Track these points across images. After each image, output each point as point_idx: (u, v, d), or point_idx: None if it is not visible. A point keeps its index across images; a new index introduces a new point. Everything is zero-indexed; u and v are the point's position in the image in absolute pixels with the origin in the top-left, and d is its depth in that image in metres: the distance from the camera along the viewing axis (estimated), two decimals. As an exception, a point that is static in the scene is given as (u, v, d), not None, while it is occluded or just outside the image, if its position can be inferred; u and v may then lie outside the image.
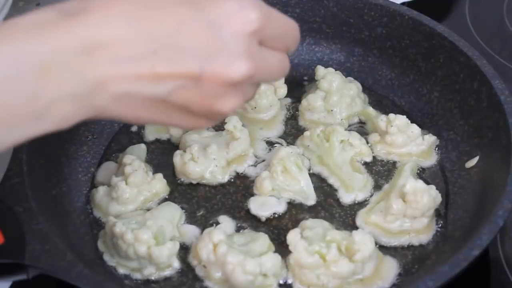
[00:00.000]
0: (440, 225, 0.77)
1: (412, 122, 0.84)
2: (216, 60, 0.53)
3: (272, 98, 0.89)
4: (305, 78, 0.96)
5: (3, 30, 0.49)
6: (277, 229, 0.77)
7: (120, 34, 0.51)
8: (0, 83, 0.47)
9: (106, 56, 0.51)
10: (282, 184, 0.79)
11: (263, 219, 0.78)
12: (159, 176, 0.80)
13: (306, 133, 0.85)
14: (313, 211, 0.79)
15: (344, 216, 0.78)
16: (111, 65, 0.51)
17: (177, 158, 0.82)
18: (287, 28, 0.61)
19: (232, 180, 0.82)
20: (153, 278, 0.72)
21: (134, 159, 0.80)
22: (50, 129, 0.52)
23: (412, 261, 0.73)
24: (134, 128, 0.89)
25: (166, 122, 0.59)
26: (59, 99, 0.50)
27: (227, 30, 0.54)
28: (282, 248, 0.72)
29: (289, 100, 0.92)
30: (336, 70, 0.91)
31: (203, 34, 0.53)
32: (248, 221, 0.78)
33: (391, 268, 0.72)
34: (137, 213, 0.77)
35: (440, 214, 0.78)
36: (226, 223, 0.77)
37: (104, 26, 0.50)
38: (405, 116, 0.84)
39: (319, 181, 0.82)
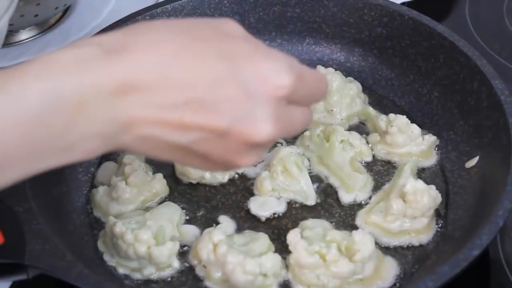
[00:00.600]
0: (440, 225, 0.77)
1: (412, 122, 0.84)
2: (244, 120, 0.54)
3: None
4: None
5: (41, 65, 0.49)
6: (277, 229, 0.77)
7: (155, 80, 0.52)
8: (35, 119, 0.48)
9: (139, 100, 0.51)
10: (282, 184, 0.79)
11: (263, 219, 0.78)
12: (159, 176, 0.80)
13: (306, 133, 0.85)
14: (313, 211, 0.79)
15: (344, 216, 0.78)
16: (142, 109, 0.52)
17: (177, 158, 0.82)
18: (318, 87, 0.62)
19: (232, 180, 0.82)
20: (153, 278, 0.72)
21: (134, 159, 0.80)
22: (73, 161, 0.53)
23: (412, 261, 0.73)
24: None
25: (184, 163, 0.61)
26: (88, 136, 0.51)
27: (258, 92, 0.54)
28: (282, 248, 0.72)
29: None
30: (336, 70, 0.91)
31: (235, 93, 0.53)
32: (248, 221, 0.78)
33: (391, 268, 0.72)
34: (137, 213, 0.77)
35: (440, 214, 0.77)
36: (226, 223, 0.77)
37: (142, 70, 0.51)
38: (405, 116, 0.84)
39: (319, 181, 0.82)
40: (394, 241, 0.75)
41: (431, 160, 0.84)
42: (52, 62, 0.50)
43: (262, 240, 0.72)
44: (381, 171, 0.83)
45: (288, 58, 0.57)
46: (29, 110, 0.48)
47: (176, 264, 0.72)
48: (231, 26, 0.58)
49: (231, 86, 0.53)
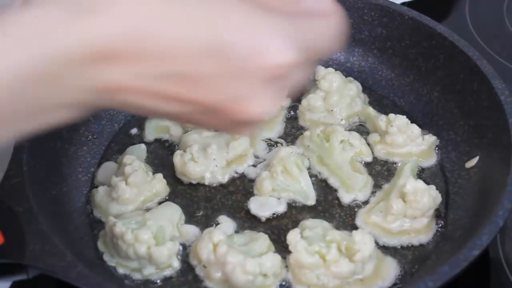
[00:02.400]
0: (440, 225, 0.77)
1: (412, 122, 0.84)
2: (232, 100, 0.50)
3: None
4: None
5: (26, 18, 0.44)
6: (277, 229, 0.77)
7: (140, 46, 0.46)
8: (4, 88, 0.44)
9: (116, 69, 0.46)
10: (282, 184, 0.79)
11: (263, 219, 0.78)
12: (159, 176, 0.80)
13: (306, 133, 0.85)
14: (313, 211, 0.79)
15: (344, 216, 0.78)
16: (121, 78, 0.47)
17: (177, 158, 0.82)
18: (323, 41, 0.54)
19: (232, 180, 0.82)
20: (153, 278, 0.72)
21: (134, 159, 0.80)
22: (74, 117, 0.49)
23: (412, 261, 0.73)
24: (134, 131, 0.89)
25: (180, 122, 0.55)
26: (63, 104, 0.48)
27: (251, 71, 0.49)
28: (282, 248, 0.72)
29: (289, 100, 0.92)
30: (336, 70, 0.91)
31: (223, 69, 0.48)
32: (248, 221, 0.78)
33: (391, 268, 0.72)
34: (137, 213, 0.77)
35: (440, 214, 0.78)
36: (226, 223, 0.77)
37: (119, 35, 0.45)
38: (405, 116, 0.84)
39: (319, 181, 0.82)
40: (394, 241, 0.75)
41: (431, 160, 0.84)
42: (16, 24, 0.43)
43: (262, 240, 0.72)
44: (381, 171, 0.83)
45: (290, 24, 0.50)
46: (18, 67, 0.43)
47: (176, 264, 0.72)
48: None
49: (218, 60, 0.47)
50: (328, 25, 0.55)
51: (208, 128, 0.55)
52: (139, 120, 0.90)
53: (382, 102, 0.93)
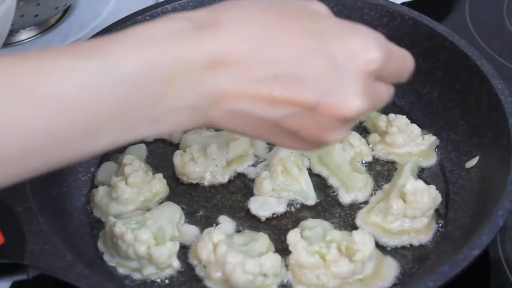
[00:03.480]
0: (440, 225, 0.77)
1: (412, 122, 0.85)
2: (334, 95, 0.54)
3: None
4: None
5: (135, 36, 0.51)
6: (277, 229, 0.77)
7: (245, 55, 0.52)
8: (129, 87, 0.49)
9: (228, 73, 0.52)
10: (282, 184, 0.79)
11: (263, 219, 0.78)
12: (159, 176, 0.80)
13: (306, 133, 0.85)
14: (313, 211, 0.79)
15: (344, 216, 0.78)
16: (232, 83, 0.52)
17: (177, 158, 0.82)
18: (405, 64, 0.61)
19: (232, 180, 0.82)
20: (153, 278, 0.72)
21: (134, 159, 0.80)
22: (163, 132, 0.54)
23: (412, 261, 0.73)
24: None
25: (273, 142, 0.60)
26: (178, 108, 0.52)
27: (348, 67, 0.54)
28: (282, 248, 0.72)
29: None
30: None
31: (324, 67, 0.53)
32: (248, 221, 0.78)
33: (391, 268, 0.72)
34: (137, 213, 0.77)
35: (440, 214, 0.78)
36: (226, 223, 0.77)
37: (232, 45, 0.52)
38: (405, 116, 0.84)
39: (319, 181, 0.82)
40: (394, 241, 0.75)
41: (431, 160, 0.84)
42: (144, 34, 0.51)
43: (262, 240, 0.72)
44: (381, 171, 0.83)
45: (376, 33, 0.57)
46: (124, 78, 0.49)
47: (176, 264, 0.72)
48: (317, 5, 0.58)
49: (320, 60, 0.53)
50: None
51: (300, 147, 0.59)
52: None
53: (382, 102, 0.92)
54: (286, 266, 0.71)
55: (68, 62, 0.48)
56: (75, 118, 0.48)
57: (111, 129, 0.50)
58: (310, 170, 0.82)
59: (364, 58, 0.54)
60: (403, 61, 0.61)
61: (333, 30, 0.55)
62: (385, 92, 0.60)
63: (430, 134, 0.85)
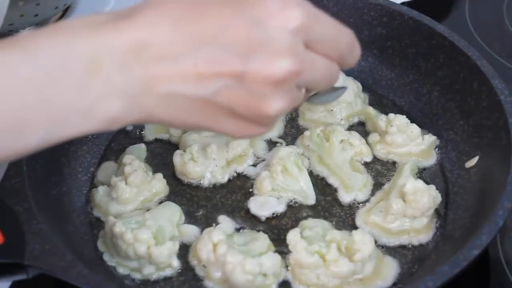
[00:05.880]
0: (440, 225, 0.77)
1: (412, 122, 0.85)
2: (258, 58, 0.53)
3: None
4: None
5: (54, 28, 0.51)
6: (277, 229, 0.77)
7: (165, 35, 0.52)
8: (48, 75, 0.49)
9: (152, 56, 0.52)
10: (282, 184, 0.79)
11: (263, 219, 0.78)
12: (159, 176, 0.81)
13: (306, 133, 0.85)
14: (313, 211, 0.79)
15: (344, 216, 0.78)
16: (156, 65, 0.52)
17: (177, 158, 0.82)
18: (337, 33, 0.60)
19: (232, 180, 0.82)
20: (153, 278, 0.72)
21: (134, 159, 0.80)
22: (99, 127, 0.53)
23: (412, 261, 0.73)
24: (129, 128, 0.89)
25: (214, 128, 0.58)
26: (107, 95, 0.51)
27: (269, 26, 0.53)
28: (282, 248, 0.72)
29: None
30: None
31: (244, 32, 0.53)
32: (248, 221, 0.78)
33: (391, 268, 0.72)
34: (137, 213, 0.77)
35: (440, 214, 0.78)
36: (226, 223, 0.77)
37: (151, 27, 0.52)
38: (405, 116, 0.84)
39: (319, 181, 0.82)
40: (394, 241, 0.75)
41: (431, 160, 0.84)
42: (64, 26, 0.51)
43: (262, 240, 0.73)
44: (381, 171, 0.83)
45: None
46: (42, 67, 0.49)
47: (176, 263, 0.72)
48: None
49: (239, 27, 0.53)
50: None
51: (246, 131, 0.58)
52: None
53: (382, 102, 0.93)
54: (286, 266, 0.71)
55: None
56: None
57: (39, 123, 0.50)
58: (310, 170, 0.82)
59: (283, 15, 0.54)
60: (335, 30, 0.59)
61: None
62: (322, 64, 0.58)
63: (430, 134, 0.85)
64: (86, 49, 0.50)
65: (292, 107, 0.58)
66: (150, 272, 0.72)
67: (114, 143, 0.88)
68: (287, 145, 0.85)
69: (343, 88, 0.75)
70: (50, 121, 0.50)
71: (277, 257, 0.70)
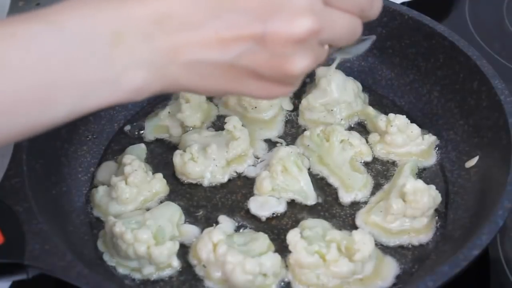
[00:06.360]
0: (440, 225, 0.77)
1: (412, 122, 0.85)
2: (278, 18, 0.53)
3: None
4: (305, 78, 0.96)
5: (78, 1, 0.51)
6: (277, 229, 0.77)
7: (186, 5, 0.53)
8: (75, 48, 0.50)
9: (174, 26, 0.53)
10: (282, 184, 0.79)
11: (263, 219, 0.78)
12: (159, 176, 0.80)
13: (306, 133, 0.85)
14: (313, 211, 0.79)
15: (344, 216, 0.78)
16: (179, 34, 0.53)
17: (177, 158, 0.82)
18: None
19: (232, 180, 0.82)
20: (153, 278, 0.72)
21: (134, 159, 0.80)
22: (124, 98, 0.54)
23: (412, 261, 0.73)
24: (127, 128, 0.89)
25: (239, 91, 0.58)
26: (132, 65, 0.52)
27: None
28: (282, 248, 0.72)
29: (289, 101, 0.92)
30: (336, 69, 0.90)
31: None
32: (248, 221, 0.78)
33: (391, 268, 0.72)
34: (137, 213, 0.77)
35: (440, 214, 0.78)
36: (226, 223, 0.77)
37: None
38: (405, 116, 0.84)
39: (319, 181, 0.82)
40: (394, 241, 0.75)
41: (431, 160, 0.84)
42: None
43: (262, 240, 0.73)
44: (381, 171, 0.83)
45: None
46: (68, 39, 0.49)
47: (176, 263, 0.72)
48: None
49: None
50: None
51: (271, 92, 0.58)
52: (138, 120, 0.90)
53: (382, 102, 0.93)
54: (286, 266, 0.71)
55: (11, 29, 0.48)
56: (24, 84, 0.48)
57: (66, 95, 0.51)
58: (310, 170, 0.82)
59: None
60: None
61: None
62: (343, 19, 0.58)
63: (430, 134, 0.85)
64: (111, 21, 0.51)
65: (316, 64, 0.58)
66: (150, 272, 0.72)
67: (114, 143, 0.88)
68: (287, 145, 0.85)
69: (371, 38, 0.73)
70: (77, 93, 0.51)
71: (277, 257, 0.70)
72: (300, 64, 0.56)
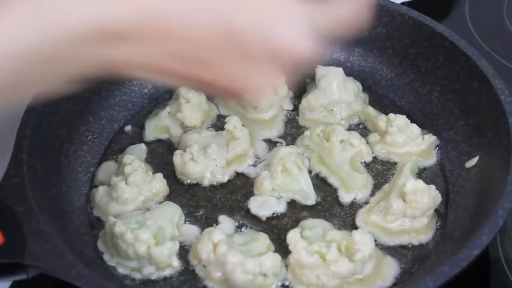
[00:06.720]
0: (440, 225, 0.77)
1: (412, 122, 0.85)
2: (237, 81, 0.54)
3: (272, 98, 0.89)
4: (306, 78, 0.96)
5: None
6: (277, 229, 0.77)
7: (139, 29, 0.49)
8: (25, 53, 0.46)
9: (119, 48, 0.49)
10: (282, 184, 0.79)
11: (263, 218, 0.78)
12: (159, 176, 0.80)
13: (306, 133, 0.85)
14: (313, 211, 0.79)
15: (344, 216, 0.78)
16: (123, 55, 0.50)
17: (177, 158, 0.82)
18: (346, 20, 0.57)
19: (232, 180, 0.82)
20: (153, 278, 0.72)
21: (134, 159, 0.80)
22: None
23: (412, 261, 0.73)
24: (128, 128, 0.89)
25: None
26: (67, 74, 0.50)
27: (259, 56, 0.52)
28: (282, 248, 0.72)
29: (289, 101, 0.92)
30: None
31: (228, 53, 0.52)
32: (248, 220, 0.78)
33: (391, 268, 0.72)
34: (137, 213, 0.77)
35: (440, 214, 0.78)
36: (226, 223, 0.77)
37: (125, 16, 0.48)
38: (405, 116, 0.84)
39: (319, 181, 0.82)
40: (394, 241, 0.75)
41: (431, 160, 0.84)
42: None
43: (262, 240, 0.73)
44: (381, 171, 0.83)
45: (306, 8, 0.53)
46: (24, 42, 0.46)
47: (176, 263, 0.72)
48: None
49: (224, 44, 0.50)
50: (346, 9, 0.57)
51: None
52: (138, 120, 0.90)
53: (382, 102, 0.93)
54: (286, 266, 0.71)
55: None
56: None
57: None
58: (310, 170, 0.82)
59: (281, 47, 0.52)
60: (337, 27, 0.58)
61: (255, 10, 0.52)
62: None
63: (430, 134, 0.85)
64: (53, 32, 0.47)
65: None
66: (150, 272, 0.72)
67: (114, 143, 0.88)
68: (287, 145, 0.85)
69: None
70: (24, 88, 0.49)
71: (277, 257, 0.70)
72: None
